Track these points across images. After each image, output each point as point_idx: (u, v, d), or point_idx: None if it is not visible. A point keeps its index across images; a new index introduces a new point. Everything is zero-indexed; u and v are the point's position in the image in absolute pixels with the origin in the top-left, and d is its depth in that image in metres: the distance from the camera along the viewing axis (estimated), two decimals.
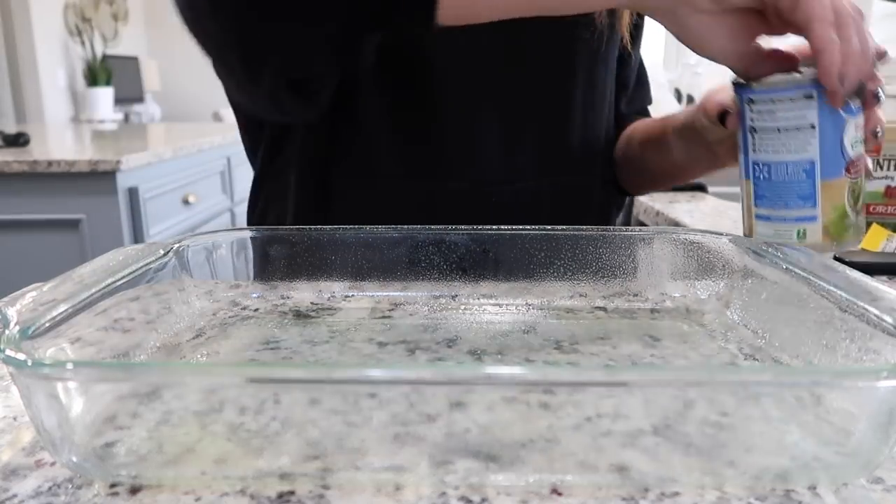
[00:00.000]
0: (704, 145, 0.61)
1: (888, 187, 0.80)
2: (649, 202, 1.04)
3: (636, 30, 0.70)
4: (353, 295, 0.50)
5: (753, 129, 0.48)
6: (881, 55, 0.46)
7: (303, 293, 0.50)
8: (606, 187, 0.73)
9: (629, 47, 0.70)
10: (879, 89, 0.47)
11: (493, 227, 0.50)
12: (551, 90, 0.64)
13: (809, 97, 0.45)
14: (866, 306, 0.34)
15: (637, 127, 0.73)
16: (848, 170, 0.46)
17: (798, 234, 0.47)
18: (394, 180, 0.62)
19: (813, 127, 0.45)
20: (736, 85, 0.48)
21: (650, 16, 0.49)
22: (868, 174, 0.49)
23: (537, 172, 0.64)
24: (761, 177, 0.48)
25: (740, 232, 0.49)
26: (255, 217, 0.70)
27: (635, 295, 0.50)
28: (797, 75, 0.46)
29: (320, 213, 0.63)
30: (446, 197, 0.61)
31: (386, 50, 0.56)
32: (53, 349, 0.32)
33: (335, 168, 0.63)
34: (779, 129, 0.46)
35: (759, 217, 0.49)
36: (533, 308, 0.49)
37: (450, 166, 0.61)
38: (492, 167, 0.62)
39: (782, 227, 0.48)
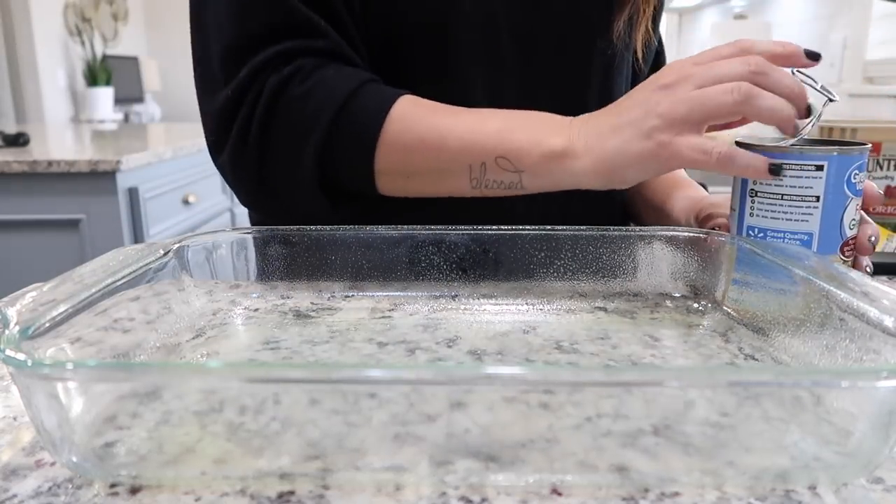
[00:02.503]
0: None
1: (888, 187, 0.80)
2: None
3: (648, 48, 0.69)
4: (353, 295, 0.50)
5: (754, 192, 0.46)
6: (815, 57, 0.46)
7: (303, 293, 0.50)
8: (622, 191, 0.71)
9: (642, 63, 0.69)
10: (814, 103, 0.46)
11: (493, 227, 0.50)
12: (567, 99, 0.62)
13: (819, 168, 0.44)
14: (866, 306, 0.34)
15: (646, 183, 0.70)
16: (843, 249, 0.46)
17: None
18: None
19: (817, 199, 0.45)
20: (742, 145, 0.46)
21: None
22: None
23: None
24: (753, 232, 0.47)
25: None
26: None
27: (635, 295, 0.50)
28: (807, 147, 0.46)
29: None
30: (468, 203, 0.61)
31: (407, 70, 0.58)
32: (53, 349, 0.32)
33: None
34: (782, 196, 0.45)
35: (735, 282, 0.47)
36: (533, 308, 0.49)
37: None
38: None
39: (757, 298, 0.45)
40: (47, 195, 1.54)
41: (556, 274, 0.50)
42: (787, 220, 0.45)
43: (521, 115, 0.53)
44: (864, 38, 1.74)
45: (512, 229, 0.50)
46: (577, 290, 0.51)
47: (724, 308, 0.47)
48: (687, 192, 0.66)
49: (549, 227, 0.51)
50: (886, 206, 0.80)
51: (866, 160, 0.46)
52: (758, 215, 0.47)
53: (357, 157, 0.53)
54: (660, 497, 0.27)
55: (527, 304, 0.49)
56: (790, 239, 0.46)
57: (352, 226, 0.51)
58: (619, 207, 0.73)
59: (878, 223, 0.74)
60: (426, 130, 0.52)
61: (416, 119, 0.52)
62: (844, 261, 0.46)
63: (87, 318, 0.35)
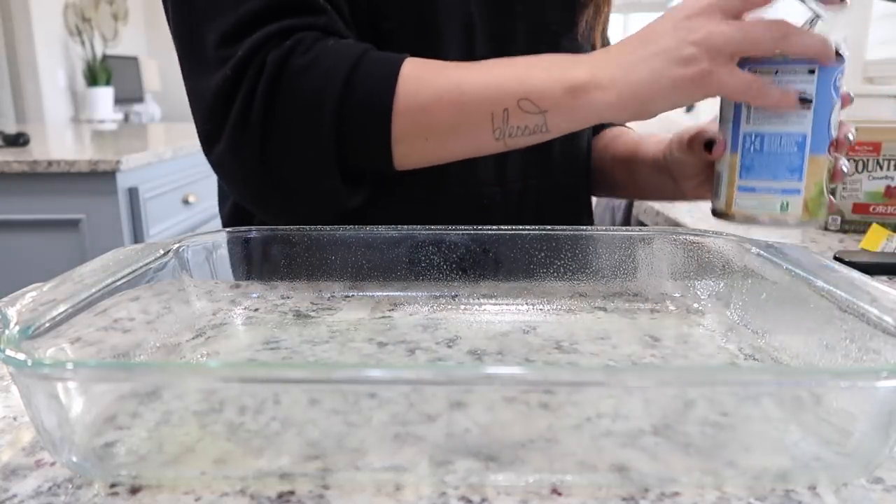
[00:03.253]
0: (672, 179, 0.62)
1: (888, 187, 0.80)
2: (649, 202, 1.04)
3: (604, 45, 0.71)
4: (353, 295, 0.50)
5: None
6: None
7: (303, 293, 0.50)
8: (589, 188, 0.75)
9: None
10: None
11: (493, 227, 0.50)
12: None
13: (812, 72, 0.46)
14: (866, 306, 0.34)
15: (611, 143, 0.75)
16: (829, 148, 0.48)
17: (781, 206, 0.48)
18: (394, 184, 0.62)
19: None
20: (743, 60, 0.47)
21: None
22: (841, 176, 0.50)
23: (524, 174, 0.65)
24: (752, 148, 0.49)
25: (740, 232, 0.49)
26: (231, 213, 0.68)
27: (635, 295, 0.50)
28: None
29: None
30: (446, 200, 0.61)
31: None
32: (53, 349, 0.32)
33: None
34: None
35: (742, 189, 0.49)
36: (533, 308, 0.49)
37: (447, 171, 0.61)
38: (486, 171, 0.62)
39: (767, 199, 0.49)
40: (47, 195, 1.54)
41: (556, 274, 0.50)
42: (783, 123, 0.47)
43: (537, 57, 0.51)
44: (864, 38, 1.74)
45: (512, 229, 0.50)
46: (577, 290, 0.51)
47: (725, 308, 0.47)
48: (651, 138, 0.68)
49: (549, 227, 0.51)
50: (886, 206, 0.80)
51: (845, 67, 0.48)
52: (754, 122, 0.48)
53: (373, 124, 0.50)
54: (660, 497, 0.27)
55: (527, 304, 0.49)
56: (786, 141, 0.47)
57: (352, 226, 0.50)
58: (586, 209, 0.74)
59: (878, 223, 0.74)
60: (441, 85, 0.50)
61: (428, 76, 0.50)
62: (831, 160, 0.49)
63: (87, 318, 0.35)
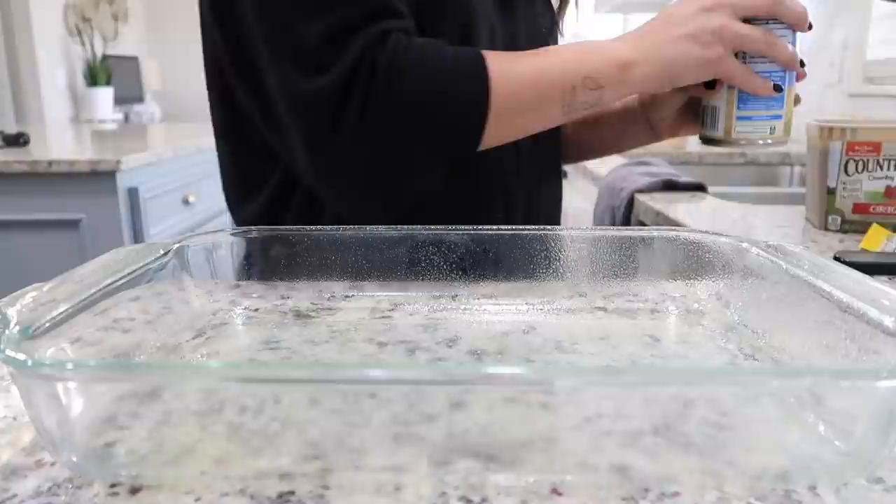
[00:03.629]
0: (644, 123, 0.71)
1: (888, 187, 0.80)
2: (649, 202, 1.04)
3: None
4: (353, 295, 0.50)
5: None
6: None
7: (303, 293, 0.50)
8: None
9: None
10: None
11: (493, 227, 0.50)
12: None
13: (791, 30, 0.59)
14: (866, 306, 0.34)
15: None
16: (796, 80, 0.61)
17: (770, 129, 0.61)
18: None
19: (793, 43, 0.59)
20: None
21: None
22: (799, 100, 0.63)
23: (527, 153, 0.70)
24: None
25: (740, 232, 0.49)
26: (253, 216, 0.69)
27: (635, 295, 0.50)
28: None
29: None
30: (478, 195, 0.67)
31: None
32: (53, 349, 0.32)
33: None
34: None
35: (740, 118, 0.60)
36: (533, 308, 0.49)
37: (480, 166, 0.65)
38: (510, 162, 0.68)
39: (760, 125, 0.60)
40: (47, 195, 1.54)
41: (556, 274, 0.50)
42: (771, 63, 0.59)
43: (582, 43, 0.60)
44: (864, 38, 1.74)
45: (512, 229, 0.50)
46: (577, 290, 0.51)
47: (725, 308, 0.47)
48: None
49: (549, 227, 0.51)
50: (886, 206, 0.80)
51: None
52: (750, 64, 0.59)
53: (473, 116, 0.55)
54: (660, 497, 0.27)
55: (527, 304, 0.49)
56: (776, 75, 0.59)
57: (352, 226, 0.50)
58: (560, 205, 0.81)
59: (878, 223, 0.74)
60: (522, 73, 0.57)
61: (509, 66, 0.56)
62: (795, 89, 0.61)
63: (87, 318, 0.35)
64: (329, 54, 0.53)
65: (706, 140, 0.64)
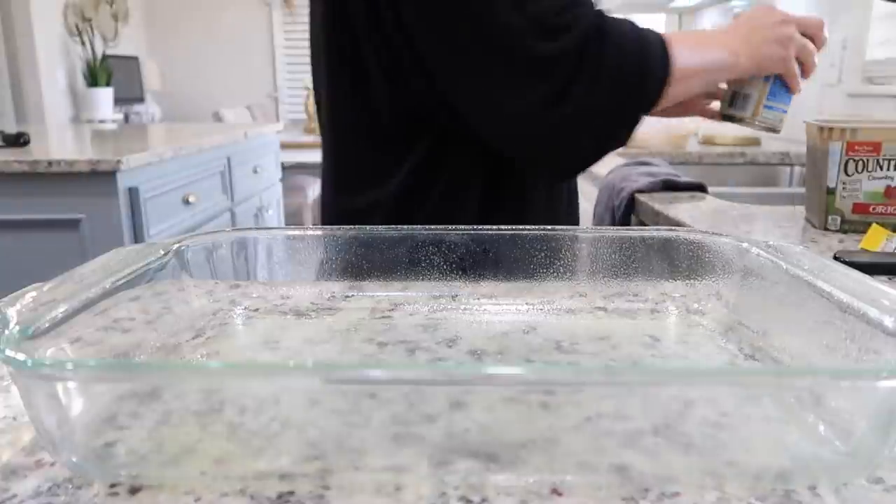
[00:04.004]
0: (680, 105, 0.82)
1: (888, 187, 0.80)
2: (649, 202, 1.04)
3: None
4: (353, 295, 0.50)
5: None
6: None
7: (303, 293, 0.50)
8: None
9: None
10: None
11: (493, 227, 0.50)
12: None
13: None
14: (866, 306, 0.34)
15: None
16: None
17: (780, 120, 0.78)
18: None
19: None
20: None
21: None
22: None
23: None
24: (777, 84, 0.76)
25: (740, 232, 0.49)
26: (387, 199, 0.73)
27: (635, 295, 0.50)
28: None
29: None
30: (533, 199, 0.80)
31: None
32: (53, 349, 0.32)
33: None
34: None
35: (767, 106, 0.77)
36: (533, 308, 0.49)
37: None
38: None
39: (776, 115, 0.77)
40: (47, 195, 1.54)
41: (556, 274, 0.50)
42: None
43: (706, 33, 0.80)
44: (864, 38, 1.74)
45: (512, 229, 0.50)
46: (577, 290, 0.51)
47: (724, 308, 0.47)
48: None
49: (549, 227, 0.51)
50: (886, 206, 0.80)
51: None
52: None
53: (659, 84, 0.67)
54: (660, 497, 0.27)
55: (527, 304, 0.49)
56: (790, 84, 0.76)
57: (352, 226, 0.50)
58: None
59: (878, 223, 0.74)
60: (690, 54, 0.70)
61: (679, 45, 0.69)
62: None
63: (87, 318, 0.35)
64: (566, 21, 0.64)
65: (729, 118, 0.79)
